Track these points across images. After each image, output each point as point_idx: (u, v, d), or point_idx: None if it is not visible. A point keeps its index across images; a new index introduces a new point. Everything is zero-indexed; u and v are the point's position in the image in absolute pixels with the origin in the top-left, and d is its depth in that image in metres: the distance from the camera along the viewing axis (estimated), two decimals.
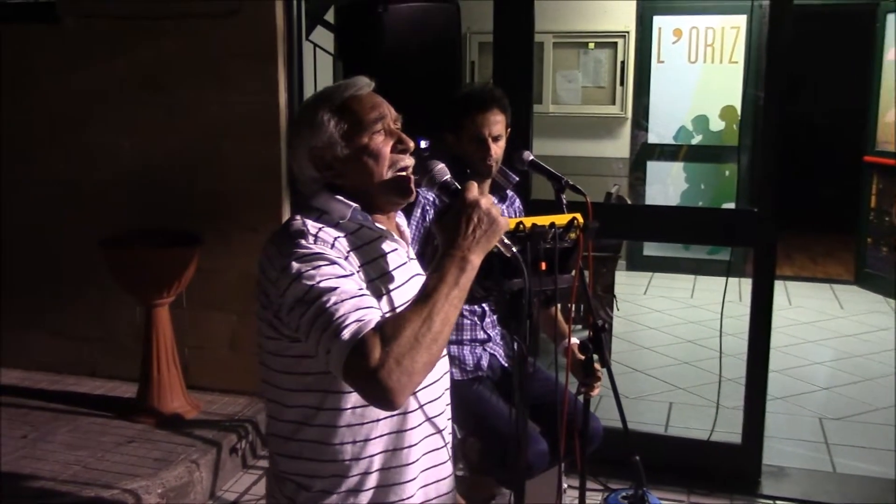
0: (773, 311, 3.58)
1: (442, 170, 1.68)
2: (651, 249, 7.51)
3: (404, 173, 1.71)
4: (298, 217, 1.67)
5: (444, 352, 1.80)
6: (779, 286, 3.51)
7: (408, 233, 1.87)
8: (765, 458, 3.70)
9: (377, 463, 1.68)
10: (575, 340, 2.52)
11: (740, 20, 6.92)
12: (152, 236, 3.86)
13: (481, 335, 2.82)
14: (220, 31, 3.85)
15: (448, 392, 1.84)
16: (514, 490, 2.16)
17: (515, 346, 2.05)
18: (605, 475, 3.53)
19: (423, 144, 3.08)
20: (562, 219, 2.10)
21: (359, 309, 1.49)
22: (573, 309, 2.28)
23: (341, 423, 1.65)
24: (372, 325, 1.45)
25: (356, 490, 1.68)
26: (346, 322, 1.46)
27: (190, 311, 4.12)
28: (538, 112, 7.33)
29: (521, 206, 3.03)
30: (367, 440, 1.66)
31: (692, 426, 4.14)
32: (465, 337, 2.81)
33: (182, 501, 3.38)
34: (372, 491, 1.69)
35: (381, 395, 1.42)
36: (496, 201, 2.88)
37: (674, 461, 3.62)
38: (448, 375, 1.85)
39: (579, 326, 4.42)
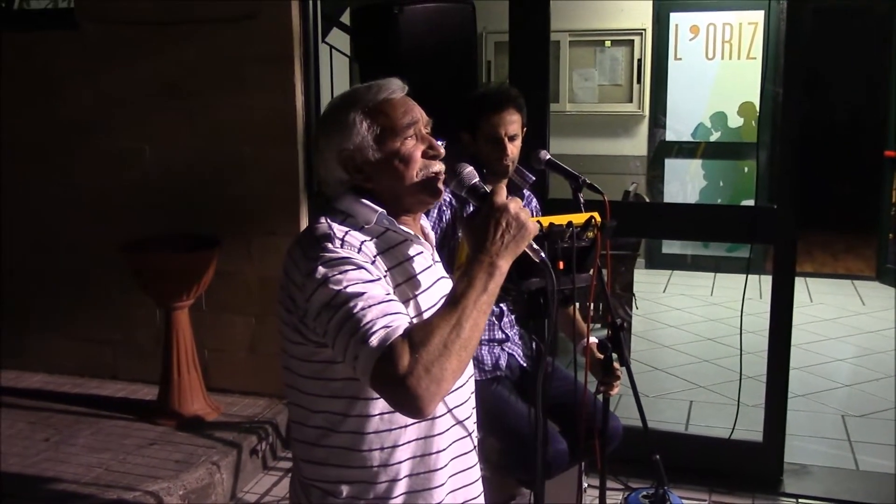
0: (794, 308, 3.56)
1: (471, 173, 1.66)
2: (670, 247, 7.47)
3: (433, 175, 1.69)
4: (324, 220, 1.64)
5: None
6: (800, 283, 3.49)
7: (432, 235, 1.84)
8: (787, 457, 3.67)
9: (406, 469, 1.66)
10: (594, 339, 2.52)
11: (758, 16, 6.88)
12: (172, 240, 3.89)
13: (499, 335, 2.82)
14: (238, 35, 3.86)
15: (473, 395, 1.83)
16: (534, 490, 2.17)
17: (535, 346, 2.05)
18: (625, 474, 3.52)
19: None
20: (579, 218, 2.10)
21: (387, 315, 1.46)
22: (591, 308, 2.26)
23: (369, 430, 1.62)
24: (400, 331, 1.43)
25: (385, 497, 1.66)
26: (374, 328, 1.44)
27: (209, 313, 4.14)
28: (555, 111, 7.28)
29: (538, 206, 3.02)
30: (395, 446, 1.64)
31: (713, 424, 4.11)
32: (483, 337, 2.81)
33: (203, 503, 3.40)
34: (401, 497, 1.67)
35: (410, 403, 1.40)
36: None
37: (695, 460, 3.61)
38: (473, 378, 1.83)
39: (598, 325, 4.41)
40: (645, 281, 6.95)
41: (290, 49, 3.84)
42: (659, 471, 2.48)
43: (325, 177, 1.73)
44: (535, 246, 1.65)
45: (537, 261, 1.68)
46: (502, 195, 1.58)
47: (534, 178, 2.89)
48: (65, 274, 4.36)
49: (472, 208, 1.65)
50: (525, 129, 2.84)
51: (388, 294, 1.53)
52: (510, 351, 2.86)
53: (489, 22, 6.68)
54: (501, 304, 2.81)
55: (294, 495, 1.81)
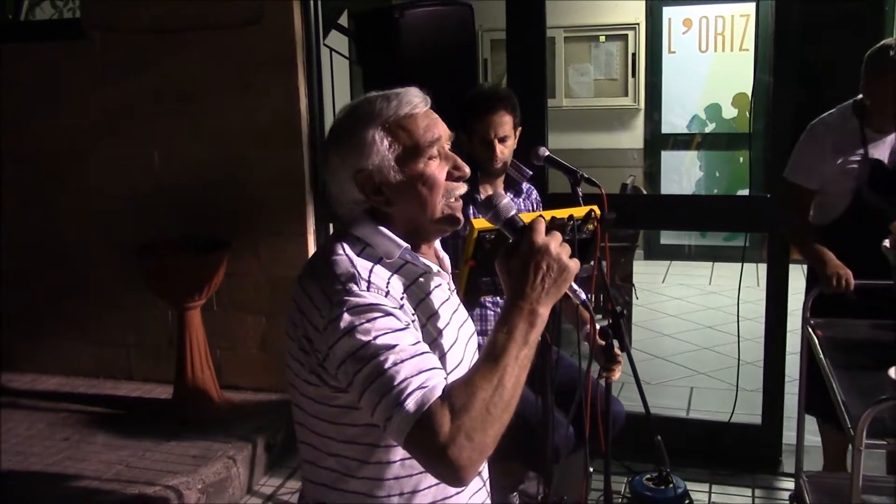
0: (792, 295, 3.65)
1: (508, 205, 1.52)
2: (668, 238, 7.58)
3: (455, 205, 1.56)
4: (342, 251, 1.49)
5: None
6: (797, 270, 3.58)
7: (447, 261, 1.70)
8: (786, 438, 3.77)
9: None
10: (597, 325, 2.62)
11: (749, 8, 6.97)
12: (183, 243, 3.99)
13: None
14: (242, 40, 3.95)
15: None
16: (543, 473, 2.28)
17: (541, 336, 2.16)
18: (630, 459, 3.62)
19: None
20: (579, 211, 2.21)
21: (421, 372, 1.35)
22: (593, 298, 2.37)
23: (388, 476, 1.53)
24: (438, 391, 1.33)
25: None
26: (410, 389, 1.33)
27: (221, 313, 4.24)
28: (551, 106, 7.37)
29: (538, 198, 3.12)
30: (414, 491, 1.55)
31: (713, 409, 4.22)
32: (489, 328, 2.91)
33: (221, 495, 3.50)
34: None
35: (451, 474, 1.30)
36: (511, 196, 2.99)
37: (696, 443, 3.71)
38: None
39: (599, 316, 4.52)
40: (644, 272, 7.06)
41: (293, 52, 3.92)
42: (660, 451, 2.58)
43: (338, 195, 1.57)
44: (575, 287, 1.55)
45: (577, 303, 1.60)
46: (541, 233, 1.44)
47: (531, 173, 2.99)
48: (78, 278, 4.45)
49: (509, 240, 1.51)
50: (520, 128, 2.94)
51: (418, 343, 1.42)
52: None
53: (485, 20, 6.74)
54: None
55: None
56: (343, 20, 5.36)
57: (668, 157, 7.48)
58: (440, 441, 1.28)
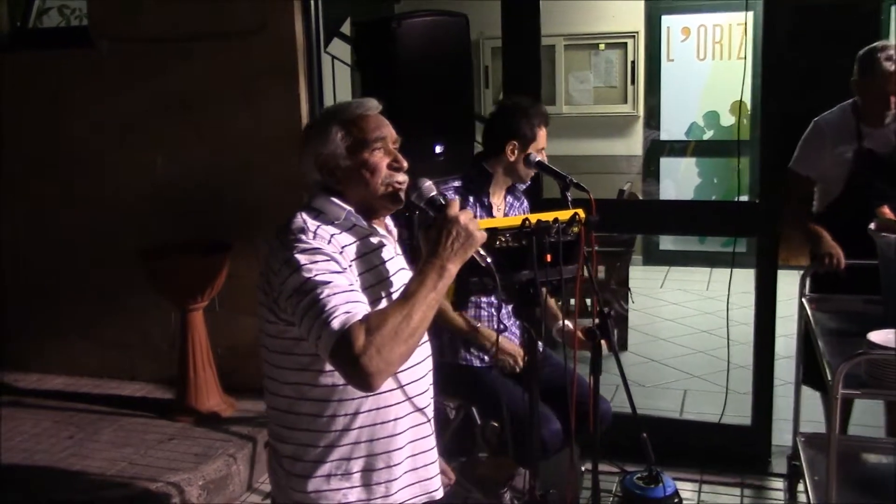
0: (784, 301, 3.74)
1: (429, 187, 1.90)
2: (667, 244, 7.65)
3: (397, 186, 1.94)
4: (300, 215, 1.87)
5: (427, 339, 2.01)
6: (792, 275, 3.67)
7: (395, 231, 2.07)
8: (777, 440, 3.84)
9: (366, 434, 1.89)
10: (568, 323, 2.72)
11: (746, 16, 7.05)
12: (187, 245, 4.07)
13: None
14: (244, 49, 4.03)
15: (431, 374, 2.06)
16: (529, 467, 2.35)
17: (526, 333, 2.24)
18: (621, 459, 3.69)
19: (437, 150, 3.28)
20: (564, 214, 2.29)
21: (348, 302, 1.70)
22: (579, 302, 2.46)
23: (333, 398, 1.85)
24: (359, 316, 1.66)
25: (348, 458, 1.89)
26: (336, 313, 1.67)
27: (222, 314, 4.31)
28: (551, 113, 7.43)
29: (527, 206, 3.23)
30: (356, 413, 1.87)
31: (706, 411, 4.28)
32: (490, 326, 2.99)
33: (222, 492, 3.58)
34: (363, 459, 1.90)
35: (362, 379, 1.64)
36: (513, 201, 3.10)
37: (687, 444, 3.78)
38: (430, 359, 2.05)
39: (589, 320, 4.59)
40: (642, 277, 7.14)
41: (295, 61, 4.00)
42: (646, 449, 2.65)
43: (307, 177, 1.99)
44: (482, 252, 1.90)
45: (483, 265, 1.92)
46: (455, 208, 1.82)
47: (529, 182, 3.12)
48: (83, 280, 4.54)
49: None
50: None
51: (351, 284, 1.77)
52: (510, 339, 3.04)
53: (486, 27, 6.81)
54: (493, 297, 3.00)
55: (271, 470, 2.06)
56: (346, 28, 5.46)
57: (667, 164, 7.55)
58: (355, 352, 1.61)
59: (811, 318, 3.11)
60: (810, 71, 5.40)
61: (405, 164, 1.96)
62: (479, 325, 2.98)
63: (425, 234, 1.82)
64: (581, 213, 2.28)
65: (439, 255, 1.76)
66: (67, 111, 4.41)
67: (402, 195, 1.95)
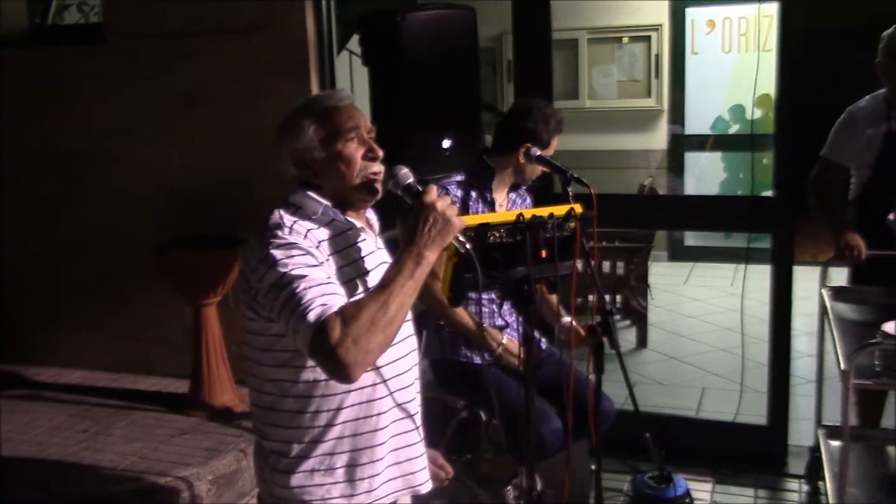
0: (809, 296, 3.68)
1: (405, 174, 1.87)
2: (692, 239, 7.55)
3: (373, 177, 1.91)
4: (277, 211, 1.87)
5: (412, 332, 2.01)
6: (810, 271, 3.61)
7: (376, 225, 2.06)
8: (795, 440, 3.78)
9: (350, 429, 1.88)
10: (567, 319, 2.68)
11: (773, 8, 6.92)
12: (198, 241, 4.08)
13: (499, 321, 2.98)
14: (256, 44, 4.02)
15: (416, 368, 2.04)
16: (525, 466, 2.32)
17: (522, 329, 2.21)
18: (633, 458, 3.65)
19: (445, 144, 3.25)
20: (560, 209, 2.25)
21: (325, 295, 1.68)
22: (574, 299, 2.43)
23: (316, 394, 1.84)
24: (335, 308, 1.65)
25: (331, 453, 1.88)
26: (312, 306, 1.65)
27: (236, 310, 4.31)
28: (575, 107, 7.45)
29: (531, 203, 3.20)
30: (339, 409, 1.86)
31: (724, 410, 4.21)
32: (484, 323, 2.97)
33: (232, 488, 3.59)
34: (346, 454, 1.89)
35: (339, 370, 1.62)
36: (515, 198, 3.07)
37: (701, 443, 3.73)
38: (415, 353, 2.04)
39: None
40: (667, 273, 7.07)
41: (306, 56, 3.98)
42: (649, 448, 2.61)
43: (283, 173, 1.97)
44: (461, 238, 1.87)
45: (463, 251, 1.90)
46: (431, 195, 1.79)
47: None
48: (101, 275, 4.56)
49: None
50: None
51: (328, 277, 1.75)
52: (510, 337, 3.01)
53: (509, 23, 6.80)
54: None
55: (257, 466, 2.05)
56: None
57: (692, 159, 7.45)
58: (331, 343, 1.60)
59: (828, 308, 3.10)
60: (831, 64, 5.30)
61: (380, 154, 1.93)
62: (484, 324, 2.96)
63: (403, 221, 1.82)
64: (577, 207, 2.24)
65: (416, 243, 1.74)
66: (83, 105, 4.43)
67: (378, 186, 1.92)
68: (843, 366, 2.44)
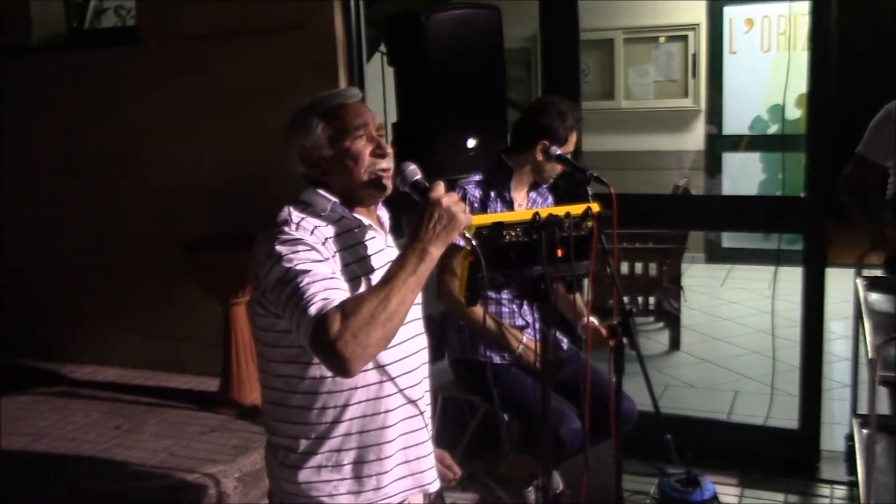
0: (840, 303, 3.61)
1: (413, 171, 1.86)
2: (730, 241, 7.44)
3: (381, 174, 1.91)
4: (286, 208, 1.88)
5: (421, 331, 2.00)
6: (845, 273, 3.55)
7: (388, 224, 2.05)
8: (827, 444, 3.71)
9: (357, 426, 1.88)
10: (593, 320, 2.65)
11: (805, 6, 6.81)
12: (227, 240, 4.12)
13: (520, 321, 2.96)
14: (286, 45, 4.05)
15: (426, 367, 2.03)
16: (542, 466, 2.31)
17: (540, 329, 2.20)
18: (661, 460, 3.61)
19: (470, 144, 3.24)
20: (576, 208, 2.24)
21: (327, 289, 1.69)
22: (591, 295, 2.40)
23: (322, 390, 1.85)
24: (336, 302, 1.65)
25: (338, 450, 1.89)
26: (314, 300, 1.66)
27: None
28: (611, 108, 7.39)
29: (552, 203, 3.18)
30: (346, 405, 1.87)
31: (756, 413, 4.15)
32: (505, 323, 2.95)
33: (258, 485, 3.61)
34: (353, 451, 1.89)
35: (339, 364, 1.63)
36: (536, 197, 3.05)
37: (730, 446, 3.67)
38: (425, 352, 2.03)
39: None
40: (704, 275, 6.98)
41: (335, 57, 4.01)
42: (669, 450, 2.58)
43: (291, 171, 1.98)
44: (467, 235, 1.86)
45: (468, 249, 1.89)
46: (438, 191, 1.77)
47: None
48: (134, 275, 4.64)
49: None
50: None
51: (332, 273, 1.76)
52: (530, 337, 2.99)
53: None
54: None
55: (267, 462, 2.06)
56: None
57: (730, 159, 7.35)
58: (331, 337, 1.60)
59: (862, 297, 3.08)
60: (864, 62, 5.19)
61: (389, 151, 1.93)
62: (505, 323, 2.95)
63: (409, 217, 1.79)
64: (595, 206, 2.23)
65: (421, 239, 1.73)
66: (117, 106, 4.49)
67: (387, 182, 1.92)
68: (870, 355, 2.42)
